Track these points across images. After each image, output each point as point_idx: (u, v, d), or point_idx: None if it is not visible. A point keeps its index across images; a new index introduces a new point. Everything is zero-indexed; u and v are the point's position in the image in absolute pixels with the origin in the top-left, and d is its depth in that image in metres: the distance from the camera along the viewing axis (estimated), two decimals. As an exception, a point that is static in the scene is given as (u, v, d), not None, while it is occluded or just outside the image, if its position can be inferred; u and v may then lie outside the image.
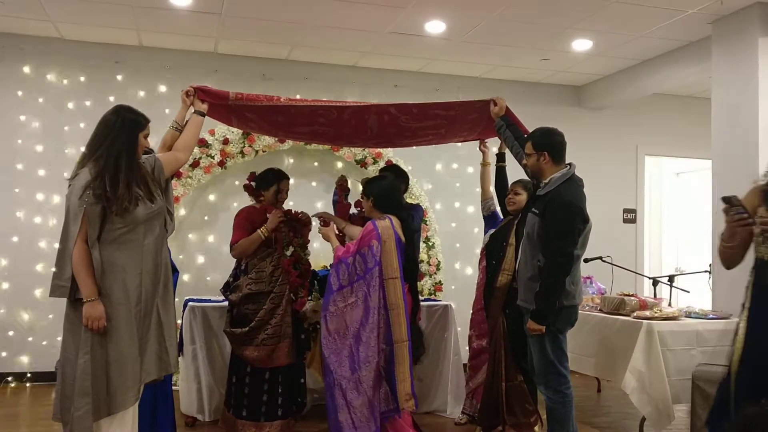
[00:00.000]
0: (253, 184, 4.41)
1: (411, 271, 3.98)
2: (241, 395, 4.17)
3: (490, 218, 4.86)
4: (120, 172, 2.86)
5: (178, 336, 4.62)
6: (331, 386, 3.75)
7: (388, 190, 4.02)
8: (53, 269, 2.97)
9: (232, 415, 4.19)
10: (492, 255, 4.39)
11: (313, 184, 6.60)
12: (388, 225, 3.82)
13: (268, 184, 4.31)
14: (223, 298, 5.15)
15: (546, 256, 3.39)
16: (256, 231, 4.17)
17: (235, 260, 4.37)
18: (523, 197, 4.27)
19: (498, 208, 4.81)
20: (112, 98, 5.93)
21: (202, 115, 3.55)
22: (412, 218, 4.38)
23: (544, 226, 3.42)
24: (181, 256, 6.14)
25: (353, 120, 4.16)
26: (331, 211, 4.76)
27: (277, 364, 4.18)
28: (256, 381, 4.17)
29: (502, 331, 4.19)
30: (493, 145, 4.79)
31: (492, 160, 4.81)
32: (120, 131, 2.93)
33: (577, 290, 3.53)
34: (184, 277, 6.16)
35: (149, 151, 3.30)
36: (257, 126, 4.34)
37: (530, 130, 3.72)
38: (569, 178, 3.48)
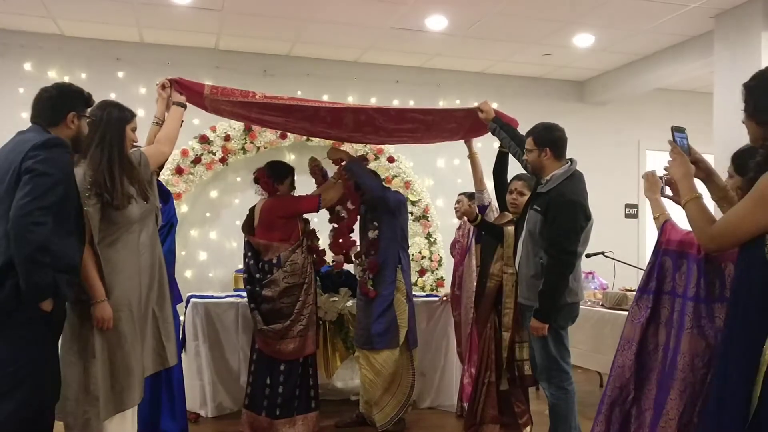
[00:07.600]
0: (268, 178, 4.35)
1: None
2: (275, 395, 4.10)
3: (481, 210, 4.81)
4: (114, 167, 2.85)
5: (181, 332, 4.63)
6: None
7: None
8: None
9: (267, 417, 4.09)
10: (483, 259, 4.34)
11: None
12: None
13: (284, 176, 4.30)
14: (225, 294, 5.17)
15: (550, 254, 3.37)
16: (328, 179, 4.48)
17: (243, 255, 4.33)
18: (526, 199, 4.00)
19: (490, 202, 4.68)
20: (113, 95, 5.89)
21: (183, 106, 3.49)
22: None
23: (546, 224, 3.40)
24: (183, 252, 6.14)
25: (329, 117, 4.15)
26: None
27: (308, 353, 4.17)
28: (290, 376, 4.12)
29: (492, 334, 4.16)
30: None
31: (478, 150, 4.69)
32: (107, 126, 2.93)
33: (579, 286, 3.52)
34: (186, 274, 6.17)
35: (136, 147, 3.29)
36: (230, 114, 4.29)
37: (530, 125, 3.70)
38: (571, 175, 3.46)
